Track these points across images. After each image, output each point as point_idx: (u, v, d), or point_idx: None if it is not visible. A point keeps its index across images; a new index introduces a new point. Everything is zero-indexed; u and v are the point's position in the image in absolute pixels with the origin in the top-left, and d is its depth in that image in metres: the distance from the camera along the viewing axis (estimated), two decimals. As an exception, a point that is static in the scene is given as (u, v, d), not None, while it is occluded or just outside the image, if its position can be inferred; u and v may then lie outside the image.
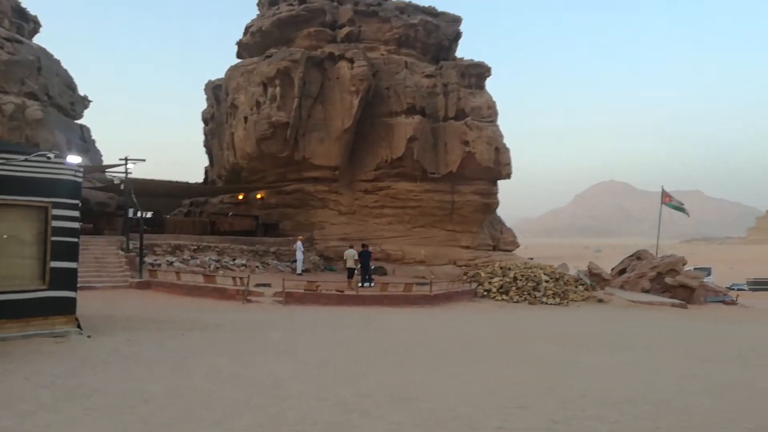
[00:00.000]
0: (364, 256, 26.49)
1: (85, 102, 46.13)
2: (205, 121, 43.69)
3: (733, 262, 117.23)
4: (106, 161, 44.08)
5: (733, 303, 33.18)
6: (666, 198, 40.94)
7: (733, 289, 50.05)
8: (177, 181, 35.99)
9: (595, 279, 32.02)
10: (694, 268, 51.95)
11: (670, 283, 32.07)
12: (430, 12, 38.68)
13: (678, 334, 18.79)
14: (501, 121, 35.89)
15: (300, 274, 29.06)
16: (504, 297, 26.54)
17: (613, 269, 38.52)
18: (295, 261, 30.11)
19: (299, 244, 30.11)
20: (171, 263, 26.79)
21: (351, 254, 26.49)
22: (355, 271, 26.19)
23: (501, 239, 37.93)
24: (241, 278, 22.55)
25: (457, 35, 39.99)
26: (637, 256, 38.04)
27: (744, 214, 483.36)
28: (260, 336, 13.88)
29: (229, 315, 17.48)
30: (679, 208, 41.56)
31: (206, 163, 44.65)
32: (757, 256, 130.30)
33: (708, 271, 59.59)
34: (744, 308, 32.09)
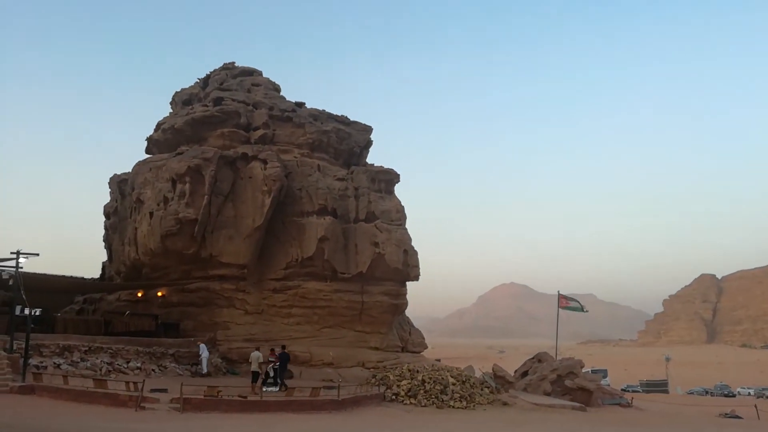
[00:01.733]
0: (284, 359, 26.09)
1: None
2: (107, 215, 42.14)
3: (626, 363, 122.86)
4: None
5: (628, 405, 34.48)
6: (562, 301, 42.93)
7: (627, 391, 52.23)
8: (71, 276, 33.98)
9: (500, 381, 32.47)
10: (591, 370, 54.08)
11: (570, 386, 33.01)
12: (343, 121, 40.44)
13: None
14: (409, 224, 37.16)
15: (204, 376, 28.44)
16: (412, 401, 26.27)
17: (516, 371, 39.27)
18: (199, 363, 29.84)
19: (203, 345, 29.95)
20: (58, 366, 24.77)
21: (256, 356, 25.57)
22: (260, 375, 25.23)
23: (409, 340, 38.05)
24: (134, 383, 21.11)
25: (368, 143, 41.85)
26: (538, 358, 39.10)
27: (634, 317, 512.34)
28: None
29: (120, 424, 16.23)
30: (577, 308, 43.60)
31: (104, 257, 42.62)
32: (647, 358, 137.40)
33: (604, 373, 62.05)
34: (639, 411, 33.41)
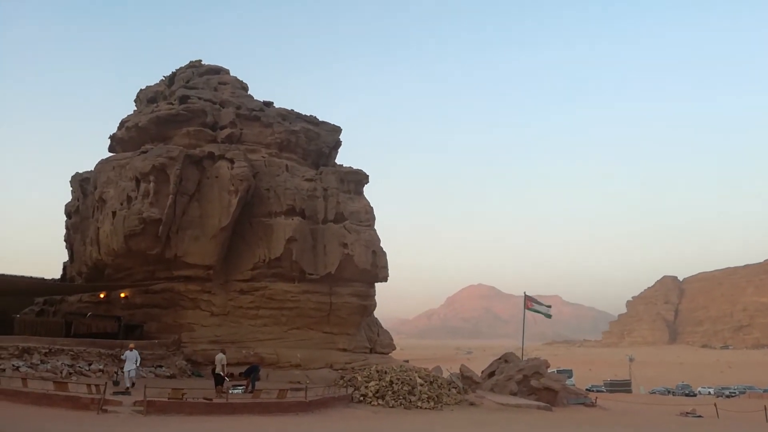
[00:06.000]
0: (256, 371, 26.43)
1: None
2: (69, 214, 41.13)
3: (591, 364, 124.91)
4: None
5: (592, 405, 34.99)
6: (528, 303, 43.35)
7: (592, 391, 53.04)
8: (31, 277, 33.05)
9: (467, 382, 32.67)
10: (557, 371, 54.84)
11: (536, 385, 33.34)
12: (312, 121, 40.21)
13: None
14: (378, 225, 37.13)
15: (125, 392, 21.85)
16: (380, 402, 26.20)
17: (483, 372, 39.52)
18: (122, 373, 23.64)
19: (130, 353, 23.58)
20: (17, 368, 23.99)
21: (220, 359, 25.12)
22: (225, 378, 24.84)
23: (378, 341, 38.00)
24: (96, 385, 20.58)
25: (337, 143, 41.69)
26: (505, 359, 39.42)
27: (598, 318, 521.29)
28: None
29: (82, 427, 15.80)
30: (544, 313, 44.02)
31: (65, 258, 41.57)
32: (611, 359, 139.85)
33: (569, 373, 62.94)
34: (603, 410, 33.92)
